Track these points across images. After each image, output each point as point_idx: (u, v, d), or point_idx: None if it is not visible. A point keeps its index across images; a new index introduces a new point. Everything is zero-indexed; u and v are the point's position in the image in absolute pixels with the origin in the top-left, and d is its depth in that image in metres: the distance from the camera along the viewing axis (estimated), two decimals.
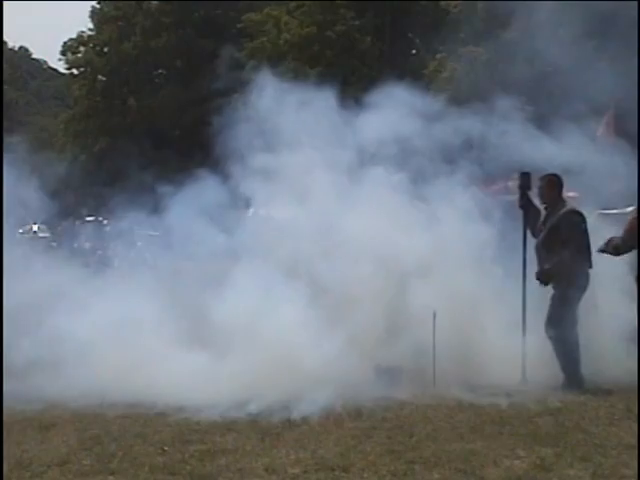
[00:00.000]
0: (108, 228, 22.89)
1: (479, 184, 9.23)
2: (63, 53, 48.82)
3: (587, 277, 7.88)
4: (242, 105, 9.95)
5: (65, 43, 48.46)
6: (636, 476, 5.07)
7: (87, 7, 64.02)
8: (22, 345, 8.13)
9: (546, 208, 8.22)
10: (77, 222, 28.71)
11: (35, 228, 31.67)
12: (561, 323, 7.77)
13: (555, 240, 7.93)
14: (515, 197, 8.56)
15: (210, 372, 7.44)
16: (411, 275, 8.25)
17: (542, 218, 8.24)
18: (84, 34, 48.30)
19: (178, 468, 5.36)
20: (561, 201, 8.13)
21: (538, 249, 8.12)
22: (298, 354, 7.42)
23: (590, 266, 7.90)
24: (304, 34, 37.02)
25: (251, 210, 10.09)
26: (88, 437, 6.10)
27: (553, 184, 8.15)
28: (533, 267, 8.15)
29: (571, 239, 7.88)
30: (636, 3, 22.75)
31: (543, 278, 7.95)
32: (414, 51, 35.56)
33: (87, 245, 25.73)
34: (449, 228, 8.55)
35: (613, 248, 7.68)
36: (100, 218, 25.08)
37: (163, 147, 40.30)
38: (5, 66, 52.26)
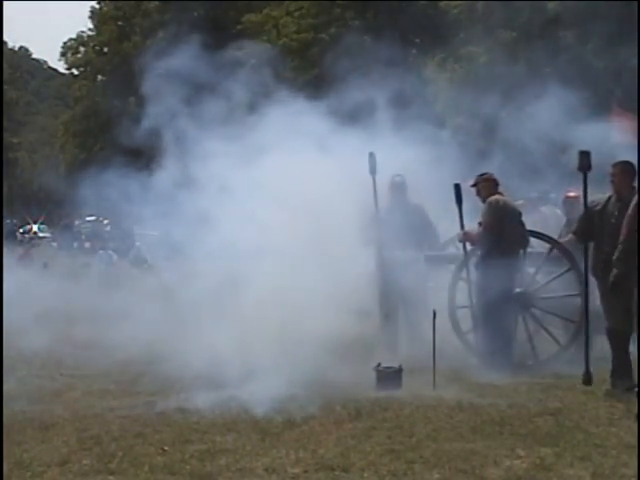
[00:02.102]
0: (108, 228, 22.95)
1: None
2: (63, 53, 48.90)
3: None
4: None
5: (65, 43, 48.57)
6: (636, 476, 5.08)
7: (87, 7, 64.07)
8: None
9: (617, 197, 7.62)
10: (77, 222, 28.73)
11: (35, 228, 31.74)
12: None
13: None
14: None
15: None
16: None
17: (613, 209, 7.64)
18: (84, 34, 48.36)
19: (178, 468, 5.37)
20: (633, 190, 7.57)
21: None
22: None
23: None
24: (301, 38, 36.99)
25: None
26: (88, 437, 6.09)
27: (627, 172, 7.62)
28: None
29: None
30: (636, 3, 22.75)
31: None
32: (414, 51, 35.47)
33: (87, 245, 25.79)
34: None
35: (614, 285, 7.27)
36: (100, 218, 25.11)
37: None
38: (5, 66, 52.26)
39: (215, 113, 9.93)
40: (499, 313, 8.34)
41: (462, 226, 8.73)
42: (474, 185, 8.85)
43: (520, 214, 8.87)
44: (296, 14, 38.29)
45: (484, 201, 8.74)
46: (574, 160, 7.84)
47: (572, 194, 9.56)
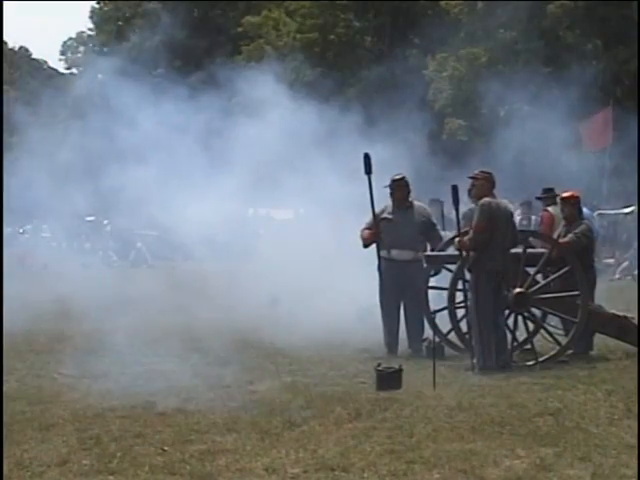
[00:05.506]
0: (109, 228, 22.94)
1: None
2: (63, 53, 48.95)
3: None
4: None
5: (65, 43, 48.62)
6: (636, 476, 5.07)
7: (87, 7, 64.09)
8: None
9: None
10: (77, 222, 28.65)
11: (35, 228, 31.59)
12: None
13: None
14: None
15: None
16: None
17: None
18: (84, 34, 48.39)
19: (178, 468, 5.36)
20: None
21: None
22: None
23: None
24: (301, 39, 36.97)
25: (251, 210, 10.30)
26: (88, 437, 6.08)
27: None
28: None
29: None
30: (636, 3, 22.77)
31: None
32: (414, 51, 35.48)
33: (87, 245, 25.77)
34: None
35: None
36: (100, 218, 25.07)
37: None
38: (5, 66, 52.24)
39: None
40: (492, 315, 8.33)
41: (458, 227, 8.69)
42: (472, 177, 8.73)
43: (512, 215, 8.86)
44: (295, 15, 38.25)
45: (474, 196, 8.68)
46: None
47: (567, 194, 9.55)
